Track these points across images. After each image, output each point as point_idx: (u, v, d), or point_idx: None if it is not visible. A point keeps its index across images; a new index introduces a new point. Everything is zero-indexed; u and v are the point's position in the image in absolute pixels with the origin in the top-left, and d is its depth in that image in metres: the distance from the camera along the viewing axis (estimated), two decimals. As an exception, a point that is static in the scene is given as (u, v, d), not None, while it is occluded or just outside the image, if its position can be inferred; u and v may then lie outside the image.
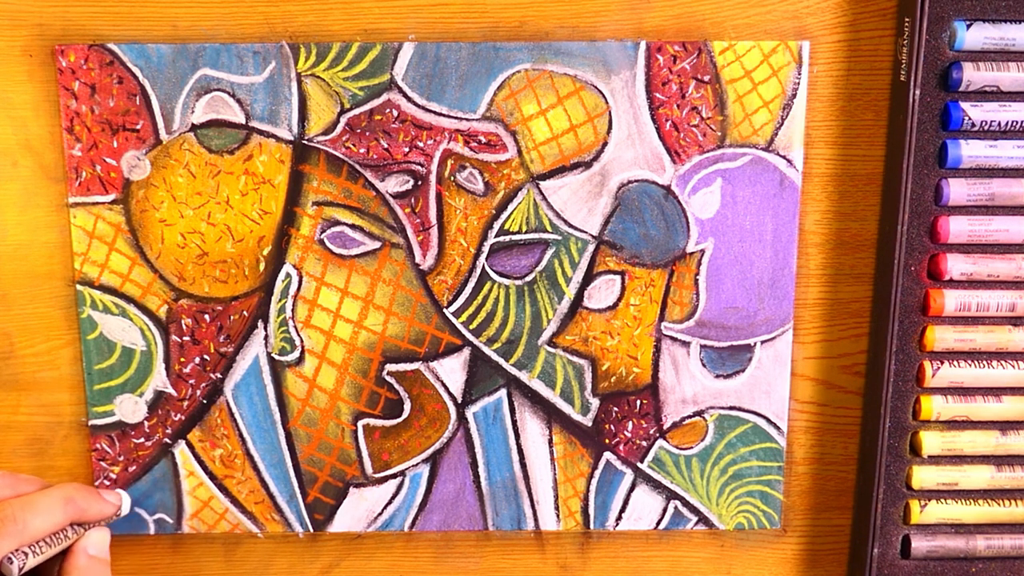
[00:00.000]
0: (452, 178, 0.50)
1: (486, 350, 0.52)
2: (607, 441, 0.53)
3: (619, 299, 0.52)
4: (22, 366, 0.52)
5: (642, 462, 0.53)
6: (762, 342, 0.52)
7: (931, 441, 0.52)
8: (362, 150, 0.50)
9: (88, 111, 0.49)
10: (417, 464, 0.53)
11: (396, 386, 0.53)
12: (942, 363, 0.51)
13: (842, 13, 0.49)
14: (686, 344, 0.52)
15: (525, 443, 0.53)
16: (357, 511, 0.54)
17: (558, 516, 0.54)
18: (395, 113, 0.50)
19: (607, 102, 0.50)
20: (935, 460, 0.52)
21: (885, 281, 0.50)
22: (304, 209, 0.51)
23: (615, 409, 0.53)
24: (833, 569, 0.56)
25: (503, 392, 0.53)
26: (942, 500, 0.53)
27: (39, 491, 0.46)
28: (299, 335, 0.52)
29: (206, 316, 0.52)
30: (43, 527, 0.45)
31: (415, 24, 0.49)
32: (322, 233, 0.51)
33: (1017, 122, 0.49)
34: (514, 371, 0.52)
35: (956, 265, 0.50)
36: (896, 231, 0.49)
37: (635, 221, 0.51)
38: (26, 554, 0.44)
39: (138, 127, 0.50)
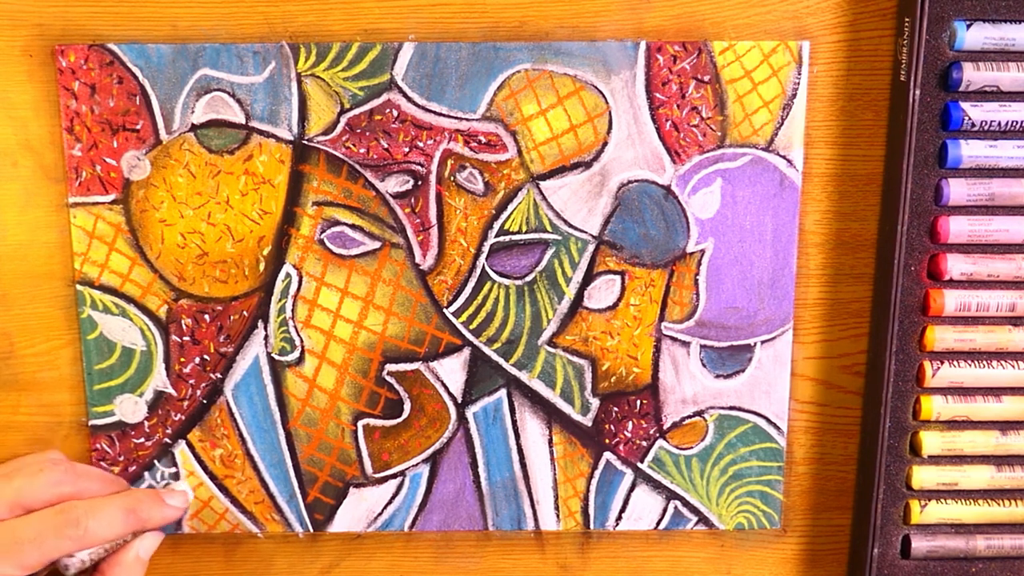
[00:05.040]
0: (452, 178, 0.50)
1: (486, 350, 0.52)
2: (607, 441, 0.53)
3: (619, 299, 0.52)
4: (22, 366, 0.52)
5: (642, 462, 0.53)
6: (762, 342, 0.52)
7: (931, 441, 0.52)
8: (362, 150, 0.50)
9: (88, 111, 0.49)
10: (417, 464, 0.53)
11: (396, 386, 0.53)
12: (942, 363, 0.51)
13: (842, 13, 0.49)
14: (686, 344, 0.52)
15: (525, 443, 0.53)
16: (357, 511, 0.54)
17: (558, 516, 0.54)
18: (395, 113, 0.50)
19: (607, 102, 0.50)
20: (935, 460, 0.52)
21: (885, 281, 0.50)
22: (304, 209, 0.51)
23: (615, 409, 0.53)
24: (833, 569, 0.56)
25: (503, 392, 0.53)
26: (942, 500, 0.53)
27: (105, 497, 0.47)
28: (299, 335, 0.52)
29: (206, 316, 0.52)
30: (104, 535, 0.46)
31: (415, 24, 0.49)
32: (322, 233, 0.51)
33: (1017, 122, 0.49)
34: (514, 371, 0.52)
35: (956, 265, 0.50)
36: (896, 231, 0.49)
37: (635, 221, 0.51)
38: (83, 560, 0.46)
39: (138, 127, 0.50)
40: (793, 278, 0.52)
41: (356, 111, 0.50)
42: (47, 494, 0.46)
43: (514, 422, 0.53)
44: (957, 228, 0.50)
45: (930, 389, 0.52)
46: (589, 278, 0.51)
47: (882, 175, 0.51)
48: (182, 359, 0.52)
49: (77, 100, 0.49)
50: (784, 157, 0.50)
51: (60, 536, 0.44)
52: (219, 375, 0.52)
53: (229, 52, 0.49)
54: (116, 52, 0.49)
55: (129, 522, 0.47)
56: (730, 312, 0.52)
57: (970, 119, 0.49)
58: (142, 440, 0.53)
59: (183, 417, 0.53)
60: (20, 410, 0.53)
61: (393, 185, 0.50)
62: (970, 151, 0.49)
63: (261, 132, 0.50)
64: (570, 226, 0.51)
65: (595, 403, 0.53)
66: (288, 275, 0.51)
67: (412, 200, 0.51)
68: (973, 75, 0.48)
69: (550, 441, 0.53)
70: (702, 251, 0.51)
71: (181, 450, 0.53)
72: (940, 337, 0.51)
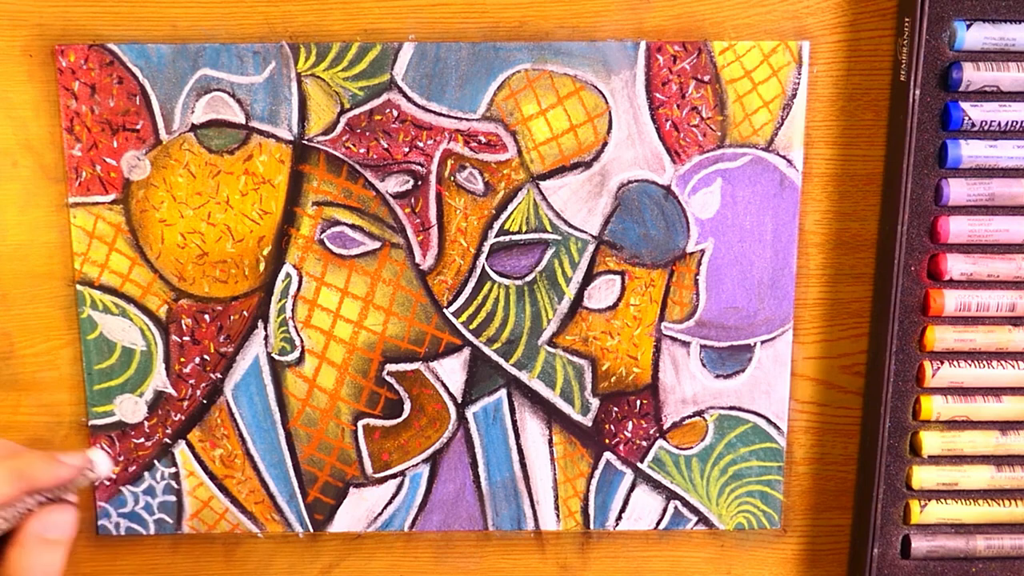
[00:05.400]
0: (452, 178, 0.50)
1: (486, 350, 0.52)
2: (607, 441, 0.53)
3: (619, 299, 0.52)
4: (22, 366, 0.52)
5: (642, 462, 0.53)
6: (762, 342, 0.52)
7: (931, 441, 0.52)
8: (362, 150, 0.50)
9: (88, 111, 0.49)
10: (417, 464, 0.53)
11: (396, 386, 0.53)
12: (942, 363, 0.51)
13: (842, 13, 0.49)
14: (686, 344, 0.52)
15: (525, 443, 0.53)
16: (357, 511, 0.54)
17: (558, 516, 0.54)
18: (395, 113, 0.50)
19: (607, 102, 0.50)
20: (935, 460, 0.52)
21: (885, 281, 0.50)
22: (304, 209, 0.51)
23: (615, 409, 0.53)
24: (833, 569, 0.56)
25: (503, 392, 0.53)
26: (942, 500, 0.53)
27: None
28: (299, 335, 0.52)
29: (206, 316, 0.52)
30: None
31: (415, 24, 0.49)
32: (322, 233, 0.51)
33: (1017, 122, 0.49)
34: (514, 371, 0.52)
35: (956, 265, 0.50)
36: (896, 231, 0.49)
37: (635, 221, 0.51)
38: None
39: (138, 127, 0.50)
40: (793, 278, 0.52)
41: (356, 111, 0.50)
42: None
43: (514, 422, 0.53)
44: (957, 228, 0.50)
45: (930, 389, 0.52)
46: (589, 278, 0.51)
47: (882, 175, 0.51)
48: (182, 359, 0.52)
49: (77, 100, 0.49)
50: (784, 157, 0.50)
51: None
52: (219, 375, 0.52)
53: (229, 52, 0.49)
54: (116, 52, 0.49)
55: (15, 482, 0.40)
56: (730, 312, 0.52)
57: (970, 119, 0.49)
58: (142, 440, 0.53)
59: (183, 417, 0.53)
60: (20, 410, 0.53)
61: (393, 185, 0.50)
62: (970, 151, 0.49)
63: (261, 132, 0.50)
64: (570, 226, 0.51)
65: (595, 403, 0.53)
66: (288, 275, 0.51)
67: (412, 200, 0.51)
68: (973, 75, 0.48)
69: (550, 441, 0.53)
70: (702, 251, 0.51)
71: (181, 450, 0.53)
72: (940, 337, 0.51)
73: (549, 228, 0.51)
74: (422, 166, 0.50)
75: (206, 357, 0.52)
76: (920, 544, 0.53)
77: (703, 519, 0.54)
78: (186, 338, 0.52)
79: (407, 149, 0.50)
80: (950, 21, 0.48)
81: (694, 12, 0.49)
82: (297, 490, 0.54)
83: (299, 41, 0.49)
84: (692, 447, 0.53)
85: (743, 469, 0.54)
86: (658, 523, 0.54)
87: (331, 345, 0.52)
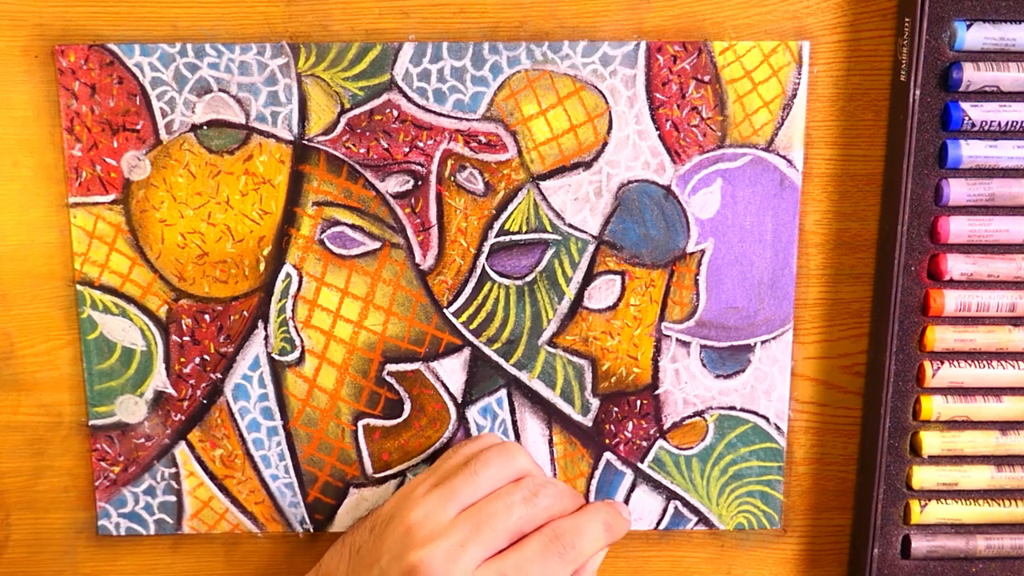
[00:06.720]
0: (452, 178, 0.50)
1: (486, 350, 0.52)
2: (607, 441, 0.53)
3: (619, 299, 0.52)
4: (22, 366, 0.52)
5: (642, 462, 0.53)
6: (762, 342, 0.52)
7: (931, 441, 0.52)
8: (362, 150, 0.50)
9: (88, 111, 0.49)
10: (417, 464, 0.53)
11: (396, 386, 0.53)
12: (942, 363, 0.51)
13: (842, 13, 0.49)
14: (686, 344, 0.52)
15: (525, 443, 0.53)
16: (357, 511, 0.54)
17: (558, 516, 0.54)
18: (395, 113, 0.50)
19: (607, 102, 0.50)
20: (935, 460, 0.52)
21: (885, 281, 0.50)
22: (304, 209, 0.51)
23: (615, 409, 0.53)
24: (833, 569, 0.56)
25: (503, 392, 0.53)
26: (942, 500, 0.53)
27: (583, 514, 0.47)
28: (299, 335, 0.52)
29: (206, 316, 0.52)
30: (589, 553, 0.46)
31: (415, 24, 0.49)
32: (322, 233, 0.51)
33: (1017, 122, 0.49)
34: (514, 371, 0.52)
35: (956, 265, 0.50)
36: (896, 231, 0.49)
37: (635, 221, 0.51)
38: None
39: (138, 127, 0.50)
40: (793, 278, 0.52)
41: (356, 111, 0.50)
42: (541, 519, 0.46)
43: (514, 422, 0.53)
44: (957, 228, 0.50)
45: (930, 389, 0.52)
46: (589, 278, 0.51)
47: (882, 175, 0.51)
48: (182, 359, 0.52)
49: (77, 100, 0.49)
50: (784, 157, 0.50)
51: (562, 560, 0.45)
52: (219, 375, 0.52)
53: (229, 52, 0.49)
54: (116, 52, 0.49)
55: (607, 537, 0.47)
56: (730, 312, 0.52)
57: (970, 119, 0.49)
58: (142, 440, 0.53)
59: (183, 417, 0.53)
60: (20, 410, 0.53)
61: (393, 185, 0.50)
62: (970, 151, 0.49)
63: (261, 132, 0.50)
64: (570, 226, 0.51)
65: (595, 403, 0.53)
66: (288, 275, 0.51)
67: (412, 200, 0.51)
68: (973, 75, 0.48)
69: (550, 441, 0.53)
70: (702, 251, 0.51)
71: (181, 450, 0.53)
72: (940, 337, 0.51)
73: (549, 228, 0.51)
74: (422, 166, 0.50)
75: (206, 357, 0.52)
76: (920, 544, 0.53)
77: (703, 519, 0.54)
78: (186, 338, 0.52)
79: (407, 149, 0.50)
80: (950, 21, 0.48)
81: (694, 12, 0.49)
82: (297, 490, 0.54)
83: (299, 41, 0.49)
84: (692, 447, 0.53)
85: (743, 469, 0.54)
86: (658, 523, 0.54)
87: (331, 345, 0.52)
